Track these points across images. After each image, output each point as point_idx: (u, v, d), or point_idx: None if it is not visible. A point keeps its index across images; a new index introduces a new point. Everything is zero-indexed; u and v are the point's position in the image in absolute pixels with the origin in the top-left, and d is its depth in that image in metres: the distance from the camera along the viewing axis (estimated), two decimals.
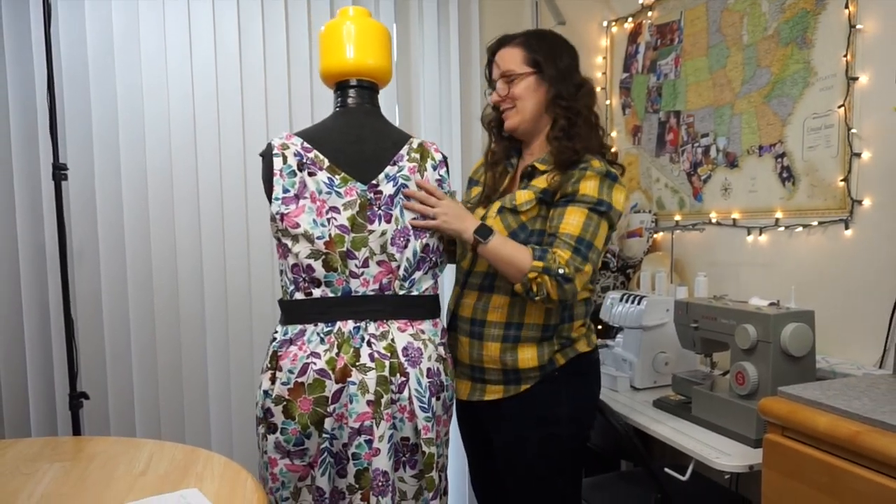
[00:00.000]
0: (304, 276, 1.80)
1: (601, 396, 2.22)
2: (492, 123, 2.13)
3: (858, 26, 2.25)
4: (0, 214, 2.65)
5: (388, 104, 3.12)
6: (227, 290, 2.91)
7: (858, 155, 2.26)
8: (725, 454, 1.91)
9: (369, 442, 1.75)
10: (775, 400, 1.67)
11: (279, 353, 1.79)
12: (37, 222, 2.67)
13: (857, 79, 2.26)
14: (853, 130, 2.27)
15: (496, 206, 2.00)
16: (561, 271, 1.75)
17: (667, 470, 2.11)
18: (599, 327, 3.03)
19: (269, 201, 1.82)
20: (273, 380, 1.78)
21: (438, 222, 1.86)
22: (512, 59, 1.98)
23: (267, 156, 1.84)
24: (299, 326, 1.81)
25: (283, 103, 2.94)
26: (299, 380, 1.75)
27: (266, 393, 1.79)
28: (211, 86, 2.83)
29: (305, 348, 1.77)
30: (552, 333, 1.98)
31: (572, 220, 1.83)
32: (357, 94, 1.96)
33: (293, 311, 1.83)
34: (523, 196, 1.94)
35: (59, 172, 2.40)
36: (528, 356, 1.96)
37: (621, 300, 2.69)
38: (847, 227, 2.30)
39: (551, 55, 1.97)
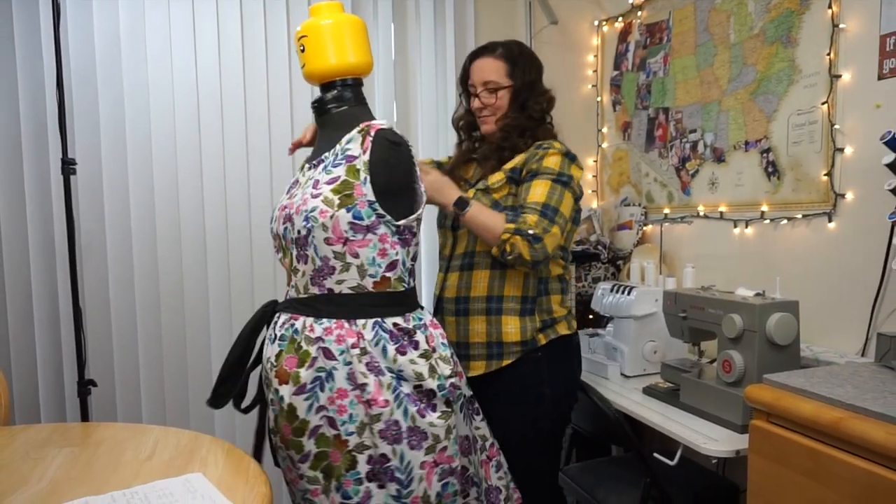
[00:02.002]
0: (411, 265, 1.81)
1: (593, 384, 2.22)
2: (463, 124, 2.23)
3: (841, 26, 2.24)
4: (10, 208, 2.63)
5: (387, 101, 3.11)
6: (230, 280, 2.90)
7: (841, 150, 2.25)
8: (713, 440, 1.91)
9: None
10: (761, 387, 1.66)
11: (427, 335, 1.77)
12: (46, 215, 2.66)
13: (839, 76, 2.25)
14: (836, 126, 2.26)
15: (471, 193, 2.05)
16: (531, 232, 1.84)
17: (656, 455, 2.11)
18: (591, 316, 3.03)
19: (406, 191, 1.76)
20: (445, 361, 1.78)
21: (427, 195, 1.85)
22: (495, 70, 2.06)
23: (405, 145, 1.76)
24: (418, 310, 1.80)
25: (284, 99, 2.93)
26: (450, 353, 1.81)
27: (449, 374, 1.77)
28: (215, 83, 2.82)
29: (435, 329, 1.80)
30: (532, 306, 2.03)
31: (537, 191, 1.92)
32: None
33: (413, 299, 1.83)
34: (494, 177, 2.04)
35: (67, 167, 2.40)
36: (510, 329, 2.01)
37: (612, 291, 2.69)
38: (830, 220, 2.30)
39: (526, 67, 2.08)
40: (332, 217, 1.65)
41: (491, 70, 2.07)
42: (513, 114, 2.08)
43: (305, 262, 1.72)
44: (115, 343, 2.76)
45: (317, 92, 1.89)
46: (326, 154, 1.78)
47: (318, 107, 1.87)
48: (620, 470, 2.51)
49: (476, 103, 2.11)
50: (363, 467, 1.67)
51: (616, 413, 2.18)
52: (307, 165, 1.86)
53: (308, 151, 1.95)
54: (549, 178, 1.93)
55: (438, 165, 2.28)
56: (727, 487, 2.36)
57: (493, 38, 3.34)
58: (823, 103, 2.30)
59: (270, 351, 1.75)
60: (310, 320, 1.70)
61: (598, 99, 3.55)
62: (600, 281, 3.08)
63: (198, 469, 1.46)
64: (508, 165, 2.04)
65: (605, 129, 3.53)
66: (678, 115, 2.98)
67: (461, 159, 2.24)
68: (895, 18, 2.06)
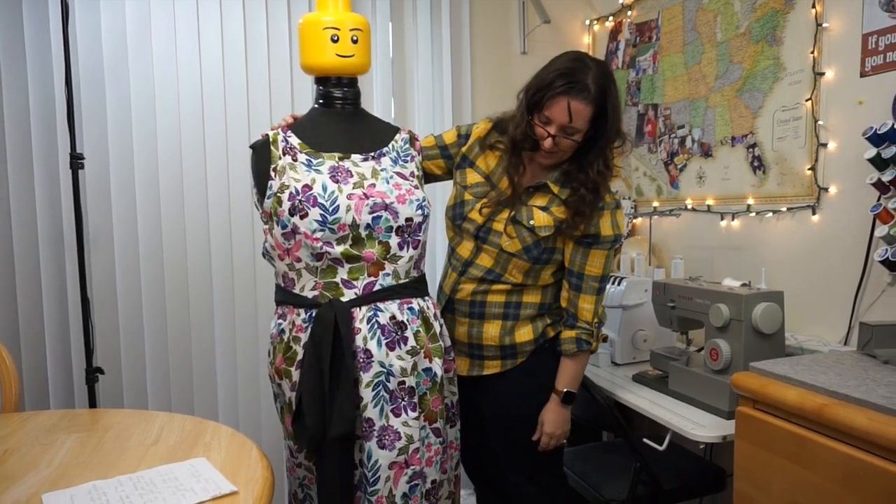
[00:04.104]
0: None
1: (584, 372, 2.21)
2: (519, 140, 1.89)
3: (824, 24, 2.23)
4: (21, 201, 2.61)
5: (385, 99, 3.09)
6: (233, 272, 2.88)
7: (825, 145, 2.25)
8: (700, 426, 1.91)
9: None
10: (747, 375, 1.66)
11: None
12: (55, 208, 2.65)
13: (823, 74, 2.24)
14: (819, 122, 2.26)
15: (506, 213, 1.91)
16: (590, 336, 1.96)
17: (645, 440, 2.10)
18: None
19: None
20: None
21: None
22: (582, 116, 1.78)
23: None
24: None
25: (285, 95, 2.91)
26: None
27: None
28: (218, 80, 2.80)
29: None
30: (546, 311, 2.01)
31: (596, 262, 1.93)
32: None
33: None
34: (542, 220, 1.89)
35: (76, 161, 2.39)
36: (524, 332, 1.98)
37: None
38: (814, 213, 2.29)
39: (614, 115, 1.82)
40: (429, 207, 1.84)
41: (577, 116, 1.77)
42: (591, 166, 1.86)
43: (416, 248, 1.80)
44: (121, 332, 2.75)
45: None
46: (385, 148, 1.86)
47: (350, 100, 1.88)
48: (611, 455, 2.52)
49: (548, 143, 1.81)
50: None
51: (607, 400, 2.17)
52: (359, 156, 1.80)
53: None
54: (606, 248, 1.93)
55: (468, 163, 2.03)
56: (714, 471, 2.36)
57: (488, 37, 3.38)
58: (807, 100, 2.29)
59: (378, 340, 1.70)
60: (421, 301, 1.82)
61: None
62: None
63: (202, 454, 1.45)
64: (559, 216, 1.88)
65: None
66: (667, 112, 2.97)
67: (515, 171, 1.94)
68: (877, 17, 2.06)
